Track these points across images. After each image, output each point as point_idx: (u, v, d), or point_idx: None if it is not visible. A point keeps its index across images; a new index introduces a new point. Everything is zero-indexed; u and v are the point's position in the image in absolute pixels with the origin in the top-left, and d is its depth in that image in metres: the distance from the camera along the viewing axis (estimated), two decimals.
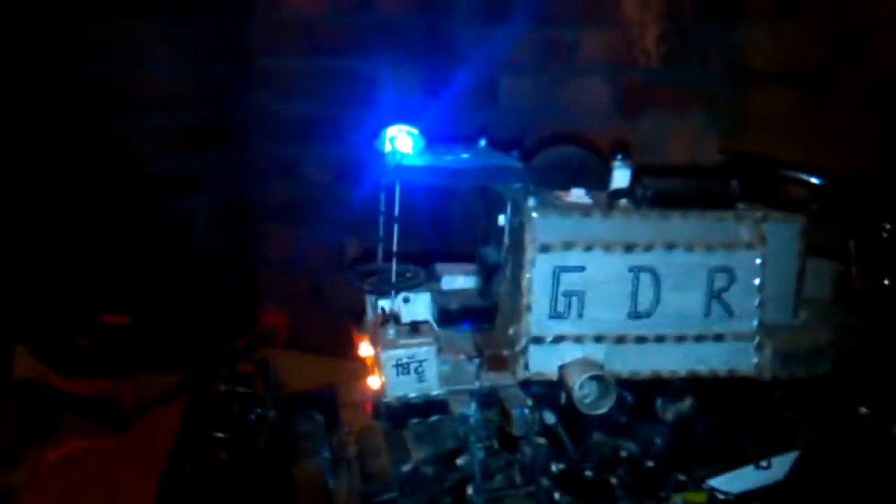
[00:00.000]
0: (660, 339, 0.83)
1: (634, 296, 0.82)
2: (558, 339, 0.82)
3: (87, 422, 1.51)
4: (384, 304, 0.89)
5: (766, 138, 1.90)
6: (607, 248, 0.81)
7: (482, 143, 0.91)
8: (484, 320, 0.90)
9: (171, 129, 2.03)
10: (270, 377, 1.08)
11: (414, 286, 0.89)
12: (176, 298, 2.00)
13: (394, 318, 0.85)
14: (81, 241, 1.80)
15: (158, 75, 1.96)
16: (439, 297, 0.92)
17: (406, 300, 0.91)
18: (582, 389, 0.80)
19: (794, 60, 1.90)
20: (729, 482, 0.92)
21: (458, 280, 0.95)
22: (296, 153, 2.18)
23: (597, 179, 0.91)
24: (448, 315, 0.90)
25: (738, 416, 0.91)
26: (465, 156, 0.83)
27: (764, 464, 0.92)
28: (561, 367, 0.82)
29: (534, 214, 0.81)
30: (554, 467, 0.82)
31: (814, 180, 1.24)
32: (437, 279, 0.96)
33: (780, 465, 0.93)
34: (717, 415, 0.91)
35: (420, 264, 0.97)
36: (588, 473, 0.87)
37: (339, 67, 2.22)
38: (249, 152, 2.29)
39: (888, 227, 1.21)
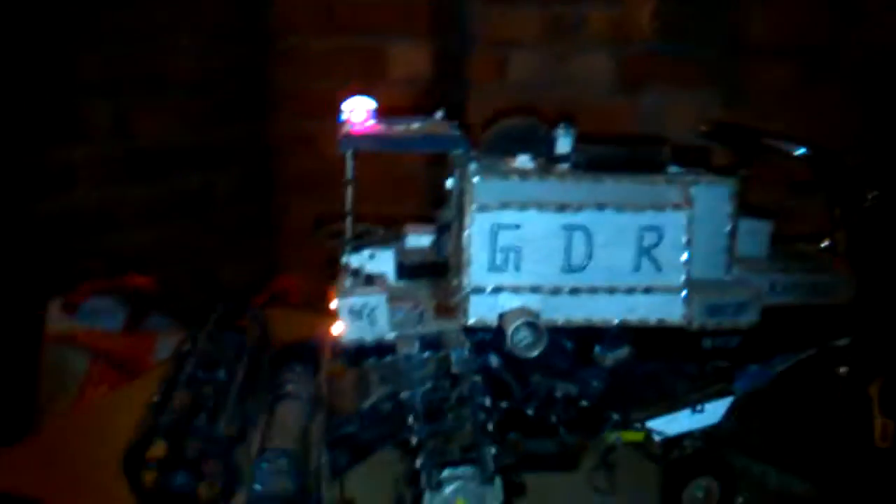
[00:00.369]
0: (592, 290, 0.92)
1: (568, 251, 0.91)
2: (497, 290, 0.91)
3: (112, 372, 1.64)
4: (352, 260, 0.99)
5: (764, 110, 1.96)
6: (541, 207, 0.89)
7: (439, 114, 0.99)
8: (437, 273, 1.00)
9: (195, 106, 2.15)
10: (262, 327, 1.19)
11: (376, 244, 0.99)
12: (199, 263, 2.14)
13: (353, 271, 0.95)
14: (110, 208, 1.94)
15: (182, 57, 2.08)
16: (401, 253, 1.02)
17: (371, 256, 1.01)
18: (517, 334, 0.89)
19: (792, 34, 1.95)
20: (665, 424, 1.01)
21: (421, 239, 1.05)
22: (315, 128, 2.28)
23: (545, 147, 1.00)
24: (404, 268, 1.00)
25: (674, 364, 1.00)
26: (414, 126, 0.93)
27: (699, 408, 1.00)
28: (500, 315, 0.91)
29: (474, 178, 0.90)
30: (494, 404, 0.91)
31: (796, 150, 1.30)
32: (403, 238, 1.06)
33: (713, 410, 1.01)
34: (653, 362, 0.99)
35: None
36: (530, 412, 0.96)
37: (355, 45, 2.31)
38: (271, 127, 2.41)
39: (871, 195, 1.27)
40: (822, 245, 1.11)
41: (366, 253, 0.99)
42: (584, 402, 0.95)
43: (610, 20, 2.12)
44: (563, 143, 0.97)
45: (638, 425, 0.98)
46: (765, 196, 1.91)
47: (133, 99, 1.98)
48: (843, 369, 1.25)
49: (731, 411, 1.03)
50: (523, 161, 0.96)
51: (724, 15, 2.02)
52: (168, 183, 2.12)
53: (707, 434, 1.04)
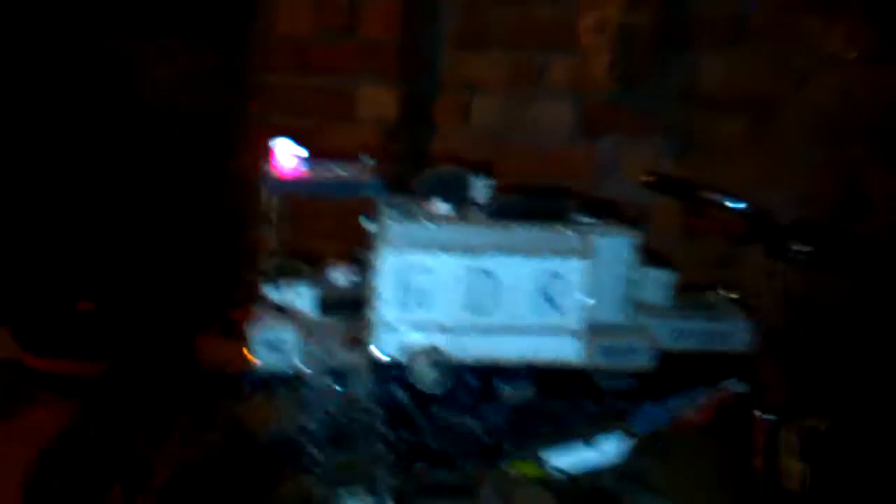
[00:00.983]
0: (497, 330, 0.97)
1: (474, 293, 0.96)
2: (405, 327, 0.96)
3: (57, 396, 1.67)
4: (273, 294, 1.04)
5: (716, 161, 2.03)
6: (450, 251, 0.95)
7: (365, 159, 1.06)
8: (355, 309, 1.05)
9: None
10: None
11: (298, 280, 1.05)
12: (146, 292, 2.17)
13: (272, 304, 1.00)
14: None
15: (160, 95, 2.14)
16: (324, 289, 1.08)
17: (295, 292, 1.06)
18: (423, 372, 0.94)
19: (743, 88, 2.03)
20: (565, 461, 1.06)
21: (342, 277, 1.11)
22: None
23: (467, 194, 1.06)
24: (325, 304, 1.05)
25: (573, 402, 1.05)
26: (338, 171, 0.99)
27: (597, 445, 1.05)
28: (407, 352, 0.96)
29: (388, 221, 0.96)
30: (397, 435, 0.96)
31: (730, 204, 1.36)
32: (327, 275, 1.12)
33: (611, 448, 1.06)
34: (554, 400, 1.04)
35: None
36: (432, 444, 1.01)
37: (327, 86, 2.38)
38: (241, 162, 2.46)
39: (805, 250, 1.33)
40: (731, 295, 1.17)
41: (287, 288, 1.05)
42: (484, 438, 1.00)
43: (571, 69, 2.20)
44: (480, 192, 1.03)
45: (535, 460, 1.03)
46: (708, 246, 1.99)
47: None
48: (759, 414, 1.30)
49: (639, 452, 1.09)
50: (441, 207, 1.02)
51: (678, 69, 2.10)
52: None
53: (616, 472, 1.08)
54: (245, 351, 0.97)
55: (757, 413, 1.26)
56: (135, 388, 1.05)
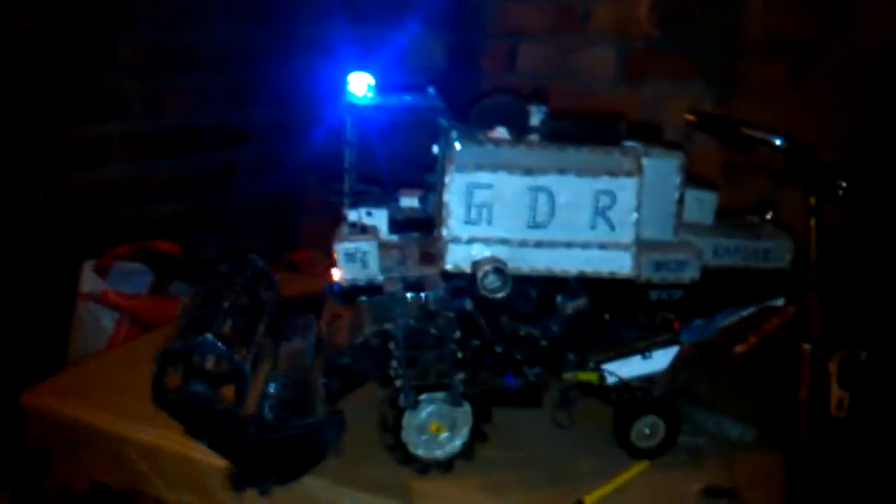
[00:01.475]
0: (553, 244, 1.07)
1: (533, 209, 1.06)
2: (471, 241, 1.06)
3: (137, 331, 1.81)
4: (350, 214, 1.14)
5: (757, 104, 2.09)
6: (510, 170, 1.04)
7: (430, 90, 1.15)
8: (423, 228, 1.15)
9: (219, 87, 2.32)
10: (271, 280, 1.34)
11: (373, 202, 1.15)
12: (222, 234, 2.31)
13: (351, 223, 1.11)
14: (140, 181, 2.11)
15: (206, 39, 2.25)
16: (393, 211, 1.18)
17: (369, 213, 1.16)
18: (486, 278, 1.04)
19: (785, 31, 2.07)
20: (617, 368, 1.15)
21: (412, 200, 1.20)
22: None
23: (522, 121, 1.15)
24: (395, 223, 1.15)
25: (626, 314, 1.14)
26: (407, 98, 1.08)
27: (647, 355, 1.15)
28: (473, 262, 1.06)
29: (454, 144, 1.05)
30: (466, 341, 1.07)
31: (775, 141, 1.43)
32: (397, 199, 1.22)
33: (660, 357, 1.15)
34: (608, 312, 1.14)
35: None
36: (498, 350, 1.11)
37: (374, 33, 2.47)
38: (295, 112, 2.57)
39: (844, 185, 1.40)
40: (767, 217, 1.24)
41: (363, 209, 1.15)
42: (544, 343, 1.09)
43: (613, 15, 2.26)
44: (535, 118, 1.12)
45: (592, 366, 1.12)
46: (749, 190, 2.05)
47: (163, 78, 2.15)
48: (807, 346, 1.38)
49: (689, 365, 1.18)
50: (500, 132, 1.11)
51: (720, 14, 2.14)
52: (194, 158, 2.29)
53: (664, 381, 1.18)
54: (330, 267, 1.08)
55: (803, 344, 1.34)
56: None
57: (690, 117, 1.51)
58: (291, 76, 2.55)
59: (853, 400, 1.36)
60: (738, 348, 1.45)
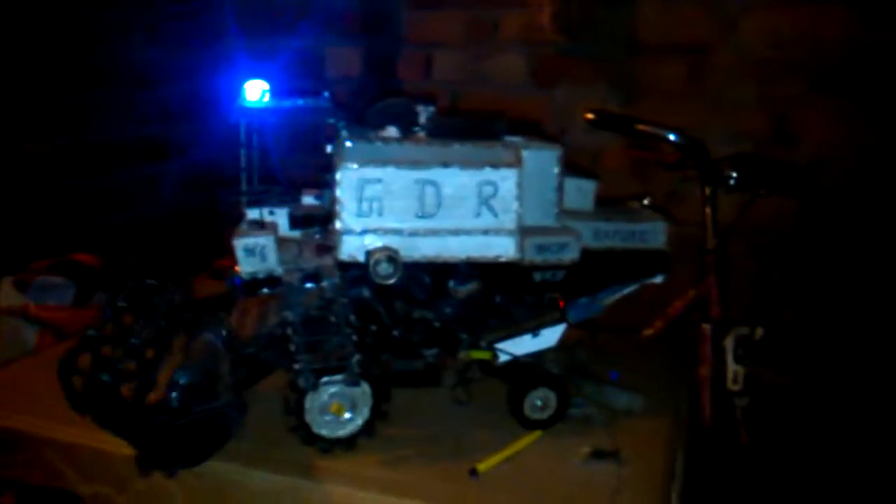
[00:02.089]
0: (442, 232, 1.15)
1: (421, 201, 1.13)
2: (364, 232, 1.14)
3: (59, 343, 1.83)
4: (252, 214, 1.21)
5: (658, 105, 2.21)
6: (399, 165, 1.12)
7: (325, 94, 1.22)
8: (322, 223, 1.22)
9: (146, 103, 2.36)
10: (180, 280, 1.38)
11: (274, 201, 1.21)
12: (148, 245, 2.34)
13: (251, 220, 1.17)
14: (63, 192, 2.13)
15: (126, 57, 2.28)
16: (294, 209, 1.24)
17: (271, 212, 1.23)
18: (378, 266, 1.12)
19: (681, 35, 2.20)
20: (510, 346, 1.23)
21: (312, 199, 1.27)
22: None
23: (412, 120, 1.23)
24: (295, 220, 1.22)
25: (514, 295, 1.23)
26: (299, 102, 1.15)
27: (537, 333, 1.23)
28: (366, 252, 1.13)
29: (347, 143, 1.13)
30: (364, 326, 1.14)
31: (669, 136, 1.53)
32: (299, 198, 1.29)
33: (549, 335, 1.24)
34: (498, 294, 1.22)
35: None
36: (395, 333, 1.19)
37: (294, 46, 2.53)
38: (217, 125, 2.60)
39: (734, 175, 1.50)
40: (645, 202, 1.34)
41: (265, 208, 1.21)
42: (437, 325, 1.17)
43: (521, 23, 2.36)
44: (423, 117, 1.20)
45: (485, 346, 1.20)
46: (657, 184, 2.16)
47: (85, 94, 2.18)
48: (706, 326, 1.49)
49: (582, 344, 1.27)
50: (390, 130, 1.18)
51: (620, 19, 2.26)
52: (117, 174, 2.32)
53: (556, 357, 1.26)
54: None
55: (703, 325, 1.45)
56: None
57: (590, 115, 1.60)
58: (212, 90, 2.59)
59: (748, 375, 1.47)
60: (646, 332, 1.56)
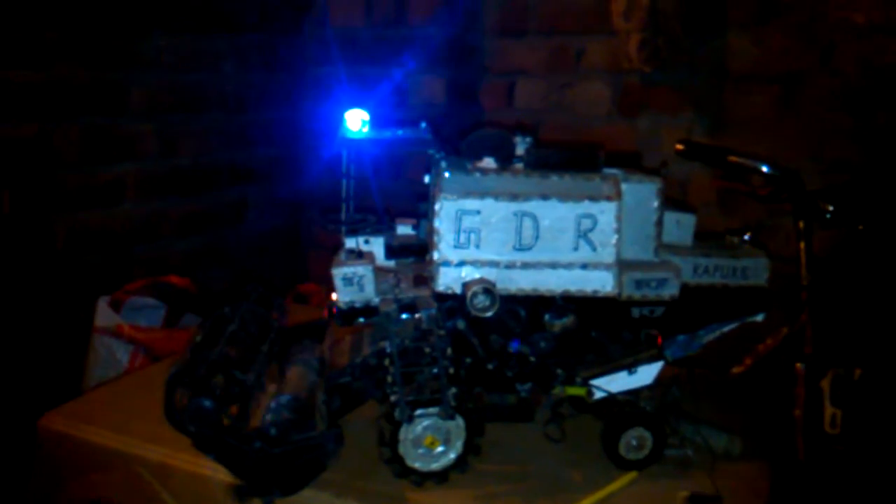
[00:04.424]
0: (539, 265, 1.13)
1: (519, 233, 1.13)
2: (461, 263, 1.13)
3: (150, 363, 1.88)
4: (348, 241, 1.22)
5: (747, 134, 2.16)
6: (497, 197, 1.11)
7: (423, 124, 1.22)
8: (418, 253, 1.22)
9: (229, 127, 2.42)
10: (282, 311, 1.41)
11: (370, 230, 1.22)
12: (233, 269, 2.39)
13: (348, 249, 1.18)
14: (154, 218, 2.20)
15: (215, 81, 2.36)
16: (389, 238, 1.25)
17: (366, 241, 1.24)
18: (475, 298, 1.11)
19: (772, 64, 2.15)
20: (605, 383, 1.21)
21: (408, 228, 1.28)
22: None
23: (509, 152, 1.22)
24: (391, 249, 1.23)
25: (611, 331, 1.20)
26: (399, 132, 1.16)
27: (633, 370, 1.20)
28: (463, 284, 1.13)
29: (444, 173, 1.13)
30: (458, 358, 1.13)
31: (762, 167, 1.50)
32: (394, 227, 1.29)
33: (646, 372, 1.21)
34: (594, 330, 1.20)
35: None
36: (490, 366, 1.18)
37: (379, 75, 2.57)
38: (302, 150, 2.67)
39: (831, 209, 1.46)
40: (746, 237, 1.30)
41: (361, 237, 1.22)
42: (532, 359, 1.16)
43: (606, 52, 2.35)
44: (521, 148, 1.19)
45: (580, 382, 1.18)
46: (744, 217, 2.11)
47: (175, 120, 2.25)
48: (800, 365, 1.44)
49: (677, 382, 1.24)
50: (487, 161, 1.18)
51: (708, 48, 2.22)
52: (206, 197, 2.38)
53: (652, 396, 1.23)
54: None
55: (798, 364, 1.40)
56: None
57: (680, 146, 1.57)
58: (298, 116, 2.65)
59: (846, 417, 1.41)
60: (735, 370, 1.51)
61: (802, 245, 1.49)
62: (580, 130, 2.42)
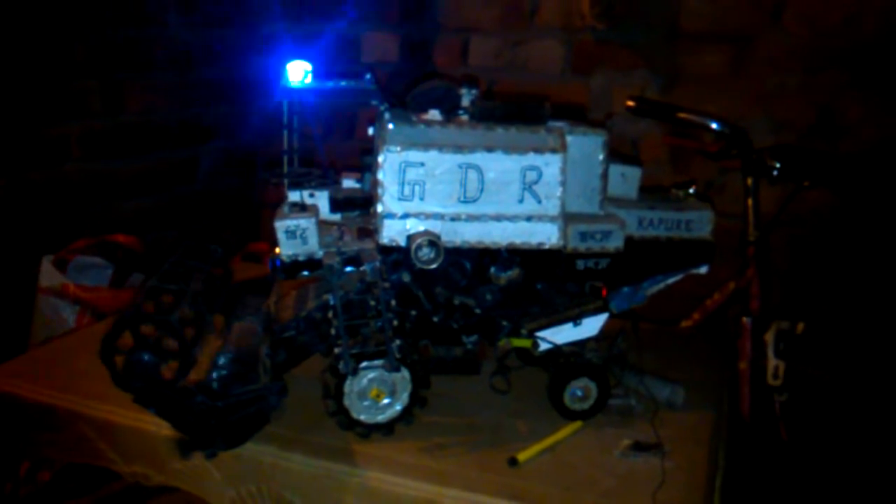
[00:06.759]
0: (484, 217, 1.13)
1: (464, 185, 1.12)
2: (405, 216, 1.12)
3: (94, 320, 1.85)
4: (293, 196, 1.20)
5: (699, 92, 2.17)
6: (441, 149, 1.11)
7: (367, 76, 1.20)
8: (363, 206, 1.21)
9: (182, 86, 2.37)
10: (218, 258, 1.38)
11: (315, 184, 1.20)
12: (185, 227, 2.35)
13: (292, 202, 1.16)
14: (101, 178, 2.15)
15: (163, 38, 2.29)
16: (334, 191, 1.23)
17: (311, 194, 1.22)
18: (420, 250, 1.10)
19: (724, 23, 2.16)
20: (551, 335, 1.22)
21: (353, 181, 1.26)
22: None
23: (454, 104, 1.21)
24: (336, 202, 1.21)
25: (556, 283, 1.21)
26: (342, 83, 1.14)
27: (578, 322, 1.21)
28: (407, 236, 1.12)
29: (388, 125, 1.11)
30: (404, 311, 1.13)
31: (711, 124, 1.50)
32: (339, 180, 1.28)
33: (591, 324, 1.22)
34: (540, 282, 1.20)
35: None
36: (435, 319, 1.18)
37: (326, 30, 2.53)
38: (254, 108, 2.61)
39: (778, 165, 1.48)
40: (690, 191, 1.31)
41: (305, 191, 1.20)
42: (478, 311, 1.16)
43: (559, 9, 2.33)
44: (466, 100, 1.18)
45: (526, 334, 1.19)
46: (696, 174, 2.13)
47: (123, 78, 2.19)
48: (746, 319, 1.46)
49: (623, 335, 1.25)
50: (432, 114, 1.17)
51: (662, 5, 2.22)
52: (155, 156, 2.33)
53: (597, 348, 1.24)
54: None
55: (743, 318, 1.42)
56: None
57: (630, 103, 1.58)
58: (249, 74, 2.60)
59: (788, 369, 1.44)
60: (684, 323, 1.54)
61: (750, 202, 1.51)
62: (534, 88, 2.41)
